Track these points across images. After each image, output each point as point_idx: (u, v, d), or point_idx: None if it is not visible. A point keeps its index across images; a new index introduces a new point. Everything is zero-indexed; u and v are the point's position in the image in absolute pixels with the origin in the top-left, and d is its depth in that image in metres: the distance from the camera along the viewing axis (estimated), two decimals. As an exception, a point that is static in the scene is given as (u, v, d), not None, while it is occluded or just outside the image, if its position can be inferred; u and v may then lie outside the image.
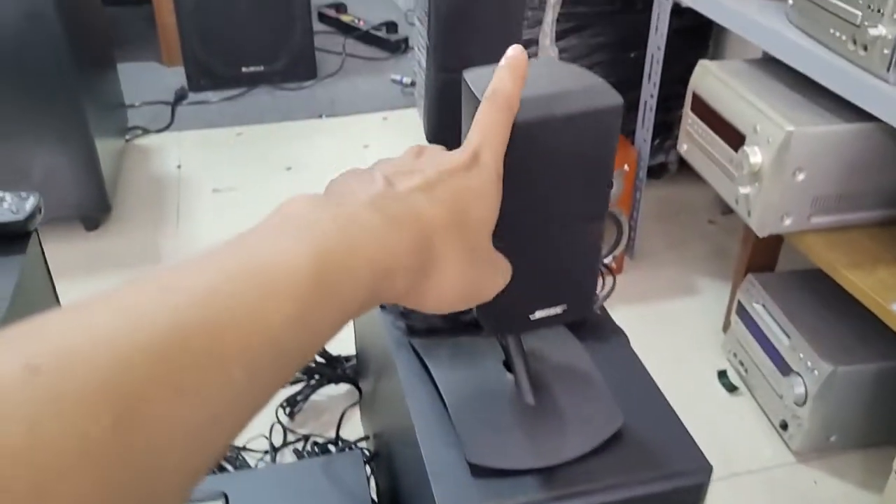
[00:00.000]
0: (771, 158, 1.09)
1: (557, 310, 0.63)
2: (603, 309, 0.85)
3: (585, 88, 0.53)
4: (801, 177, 1.10)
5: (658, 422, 0.71)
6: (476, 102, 0.53)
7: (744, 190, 1.15)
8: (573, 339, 0.78)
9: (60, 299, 1.07)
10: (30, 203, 0.96)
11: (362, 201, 0.36)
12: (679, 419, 0.72)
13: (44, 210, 0.98)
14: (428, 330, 0.80)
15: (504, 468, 0.64)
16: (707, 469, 0.68)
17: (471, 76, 0.57)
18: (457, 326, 0.80)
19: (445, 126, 0.88)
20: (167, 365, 0.26)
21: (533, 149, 0.53)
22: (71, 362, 0.24)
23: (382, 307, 0.84)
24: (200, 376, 0.27)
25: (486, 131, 0.43)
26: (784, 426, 1.28)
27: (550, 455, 0.66)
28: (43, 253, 1.00)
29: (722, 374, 1.43)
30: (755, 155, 1.10)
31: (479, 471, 0.65)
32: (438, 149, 0.44)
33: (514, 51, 0.45)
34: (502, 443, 0.66)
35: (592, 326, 0.82)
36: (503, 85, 0.44)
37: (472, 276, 0.41)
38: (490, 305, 0.62)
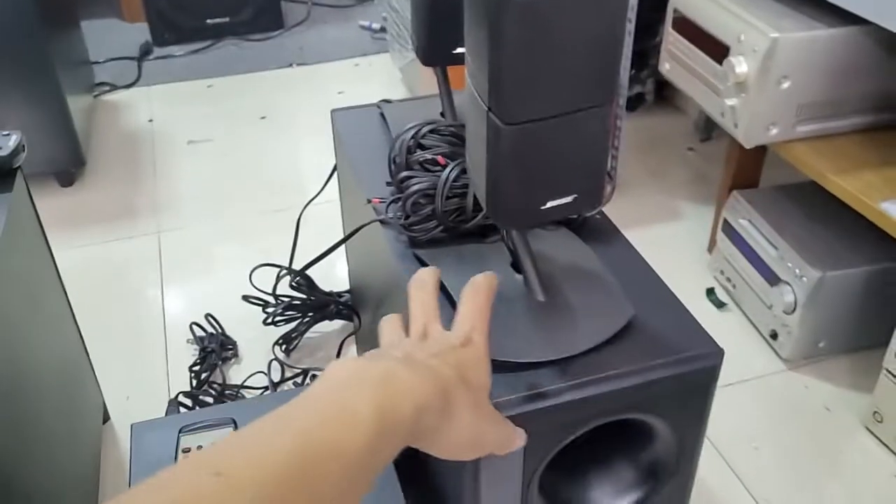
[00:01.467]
0: (756, 67, 1.09)
1: (568, 199, 0.63)
2: (602, 213, 0.85)
3: (593, -39, 0.53)
4: (786, 84, 1.10)
5: (667, 312, 0.72)
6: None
7: (730, 102, 1.15)
8: (578, 239, 0.78)
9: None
10: (13, 140, 0.94)
11: (396, 360, 0.49)
12: (686, 309, 0.73)
13: (27, 148, 0.96)
14: (430, 241, 0.80)
15: (522, 362, 0.65)
16: (719, 352, 0.69)
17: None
18: (459, 235, 0.80)
19: (438, 42, 0.87)
20: (297, 479, 0.39)
21: (541, 26, 0.52)
22: (239, 470, 0.38)
23: (382, 222, 0.83)
24: (314, 482, 0.40)
25: (474, 317, 0.56)
26: (774, 336, 1.31)
27: (566, 347, 0.66)
28: (29, 192, 0.98)
29: (710, 292, 1.45)
30: (740, 65, 1.11)
31: (498, 366, 0.65)
32: (439, 329, 0.56)
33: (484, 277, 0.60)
34: (518, 339, 0.67)
35: (593, 229, 0.82)
36: (483, 279, 0.58)
37: (478, 425, 0.52)
38: (502, 198, 0.62)
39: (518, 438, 0.58)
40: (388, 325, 0.61)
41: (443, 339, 0.55)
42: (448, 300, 0.72)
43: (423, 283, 0.60)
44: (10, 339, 0.84)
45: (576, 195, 0.63)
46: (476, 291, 0.57)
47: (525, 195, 0.61)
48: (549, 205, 0.62)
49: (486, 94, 0.57)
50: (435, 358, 0.51)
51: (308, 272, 1.24)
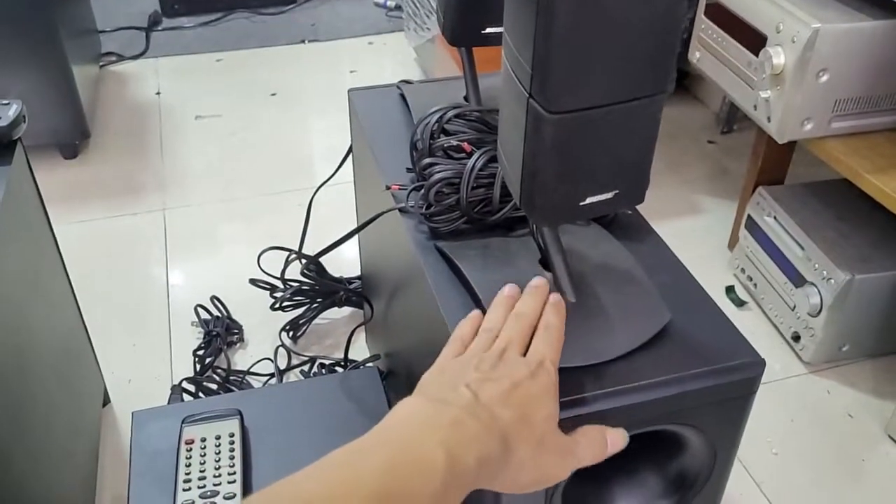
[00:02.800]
0: (795, 59, 1.04)
1: (609, 195, 0.59)
2: (635, 210, 0.81)
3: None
4: (825, 78, 1.06)
5: (704, 317, 0.68)
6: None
7: (764, 94, 1.10)
8: (610, 236, 0.74)
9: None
10: (12, 110, 0.89)
11: (462, 407, 0.50)
12: (725, 315, 0.69)
13: (27, 119, 0.91)
14: (453, 233, 0.76)
15: (550, 366, 0.61)
16: (760, 363, 0.65)
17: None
18: (484, 227, 0.75)
19: (466, 20, 0.82)
20: None
21: (596, 1, 0.48)
22: None
23: (402, 210, 0.79)
24: None
25: (550, 347, 0.57)
26: (796, 338, 1.26)
27: (598, 352, 0.62)
28: (29, 165, 0.94)
29: (729, 290, 1.41)
30: (778, 56, 1.06)
31: (523, 370, 0.61)
32: (515, 356, 0.56)
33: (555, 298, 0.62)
34: (546, 342, 0.63)
35: (624, 226, 0.78)
36: (554, 320, 0.59)
37: (540, 462, 0.52)
38: (538, 192, 0.58)
39: (617, 440, 0.58)
40: (479, 337, 0.60)
41: (515, 369, 0.55)
42: (471, 296, 0.68)
43: (527, 311, 0.60)
44: (8, 318, 0.80)
45: (617, 191, 0.58)
46: (549, 332, 0.58)
47: (563, 189, 0.57)
48: (588, 200, 0.58)
49: (527, 78, 0.52)
50: (500, 399, 0.52)
51: (317, 261, 1.19)
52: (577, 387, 0.60)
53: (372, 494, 0.42)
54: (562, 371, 0.60)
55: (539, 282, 0.63)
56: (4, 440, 0.74)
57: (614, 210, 0.69)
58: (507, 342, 0.57)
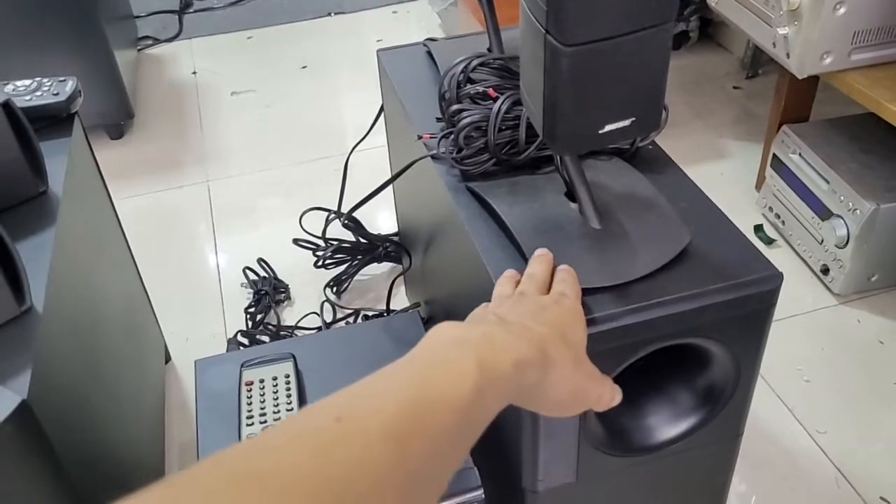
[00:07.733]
0: (810, -7, 1.06)
1: (626, 122, 0.63)
2: (654, 143, 0.85)
3: None
4: (842, 10, 1.07)
5: (723, 237, 0.72)
6: None
7: (782, 31, 1.12)
8: (631, 168, 0.78)
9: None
10: (69, 85, 0.96)
11: (491, 325, 0.53)
12: (743, 234, 0.73)
13: (83, 94, 0.97)
14: (483, 174, 0.80)
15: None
16: (777, 276, 0.69)
17: None
18: (511, 168, 0.80)
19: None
20: (414, 423, 0.41)
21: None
22: (360, 415, 0.40)
23: (434, 157, 0.84)
24: (428, 428, 0.41)
25: (566, 281, 0.62)
26: (825, 270, 1.29)
27: (624, 273, 0.67)
28: (87, 137, 1.00)
29: (758, 229, 1.44)
30: (794, -9, 1.08)
31: (554, 292, 0.66)
32: (533, 292, 0.60)
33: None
34: (574, 266, 0.67)
35: (645, 159, 0.82)
36: (568, 278, 0.63)
37: (578, 380, 0.54)
38: (559, 123, 0.62)
39: (617, 395, 0.59)
40: (505, 280, 0.64)
41: (537, 299, 0.59)
42: (503, 230, 0.73)
43: (537, 272, 0.63)
44: (80, 276, 0.87)
45: (634, 119, 0.63)
46: (569, 274, 0.63)
47: (583, 119, 0.61)
48: (606, 128, 0.62)
49: (543, 15, 0.57)
50: (530, 317, 0.55)
51: (356, 218, 1.25)
52: (604, 305, 0.64)
53: (402, 403, 0.41)
54: (589, 291, 0.65)
55: (543, 251, 0.66)
56: (85, 384, 0.81)
57: (633, 137, 0.73)
58: (527, 286, 0.61)
